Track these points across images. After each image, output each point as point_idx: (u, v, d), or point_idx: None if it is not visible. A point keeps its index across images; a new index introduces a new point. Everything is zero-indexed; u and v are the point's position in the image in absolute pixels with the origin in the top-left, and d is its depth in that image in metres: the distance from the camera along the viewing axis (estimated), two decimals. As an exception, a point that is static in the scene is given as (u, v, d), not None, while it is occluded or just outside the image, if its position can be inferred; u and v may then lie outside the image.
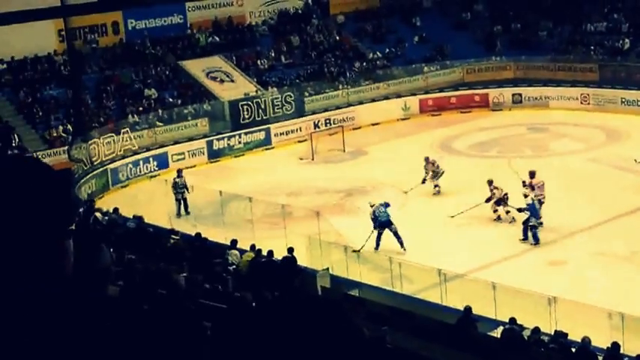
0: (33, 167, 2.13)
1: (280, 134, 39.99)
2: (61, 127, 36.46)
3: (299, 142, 39.36)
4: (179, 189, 30.56)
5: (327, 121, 40.99)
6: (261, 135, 39.53)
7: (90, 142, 34.76)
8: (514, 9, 48.81)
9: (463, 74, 45.41)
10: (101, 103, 38.57)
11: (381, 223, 25.03)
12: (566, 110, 40.55)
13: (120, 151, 35.70)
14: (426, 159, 30.51)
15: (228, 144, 38.86)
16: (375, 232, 24.85)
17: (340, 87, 43.08)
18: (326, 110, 41.66)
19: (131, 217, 25.76)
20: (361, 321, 17.29)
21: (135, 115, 38.00)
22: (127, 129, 36.45)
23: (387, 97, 43.35)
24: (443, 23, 48.41)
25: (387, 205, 25.56)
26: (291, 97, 41.11)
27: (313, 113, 41.25)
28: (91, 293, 2.19)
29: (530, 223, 25.42)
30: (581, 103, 41.28)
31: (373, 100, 43.03)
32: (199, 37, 44.05)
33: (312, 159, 36.86)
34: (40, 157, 34.31)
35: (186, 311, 4.14)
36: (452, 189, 29.93)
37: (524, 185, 26.74)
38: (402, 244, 24.80)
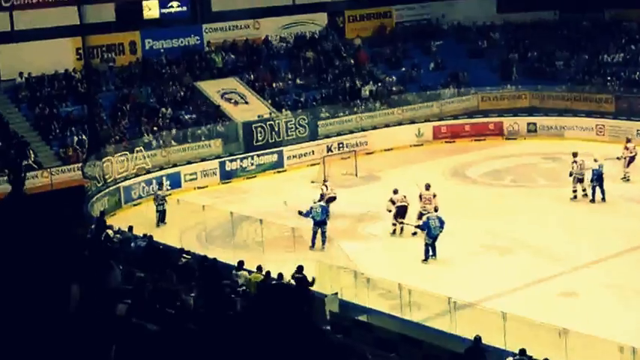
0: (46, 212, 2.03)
1: (293, 157, 39.97)
2: (76, 144, 36.55)
3: (311, 165, 39.31)
4: (159, 201, 32.11)
5: (340, 145, 40.97)
6: (274, 157, 39.54)
7: (104, 160, 34.84)
8: (531, 38, 48.82)
9: (478, 102, 45.40)
10: (116, 122, 38.64)
11: (316, 221, 27.70)
12: (581, 141, 40.38)
13: (133, 169, 35.77)
14: (324, 181, 32.75)
15: (241, 165, 38.87)
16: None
17: (355, 109, 43.11)
18: (339, 134, 41.65)
19: (141, 235, 25.76)
20: (369, 347, 17.20)
21: (149, 134, 38.07)
22: (141, 148, 36.51)
23: (400, 123, 43.35)
24: (459, 50, 48.44)
25: (324, 207, 28.17)
26: (304, 120, 41.12)
27: (326, 137, 41.25)
28: (100, 313, 2.11)
29: (425, 241, 26.26)
30: (597, 134, 41.14)
31: (387, 126, 43.04)
32: (215, 58, 44.17)
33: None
34: (54, 173, 34.56)
35: (193, 331, 4.11)
36: (466, 215, 29.82)
37: (421, 199, 28.40)
38: (324, 243, 27.69)
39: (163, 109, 39.87)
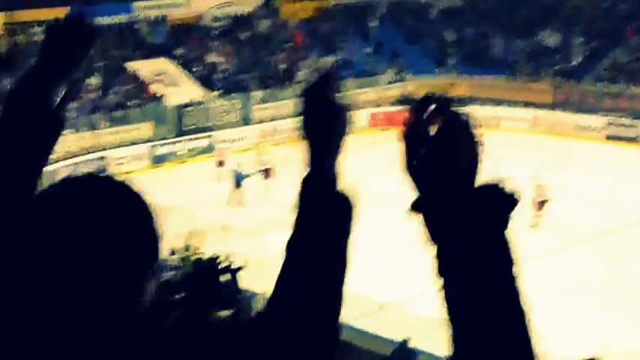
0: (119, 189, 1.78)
1: (225, 142, 38.94)
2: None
3: (244, 150, 38.37)
4: None
5: (275, 131, 40.13)
6: (206, 142, 38.54)
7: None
8: (469, 22, 48.33)
9: (415, 89, 44.82)
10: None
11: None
12: (517, 132, 40.09)
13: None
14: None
15: (172, 150, 37.84)
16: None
17: (290, 93, 42.19)
18: (273, 119, 40.75)
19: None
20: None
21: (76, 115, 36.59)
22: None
23: (336, 109, 42.49)
24: (397, 33, 47.86)
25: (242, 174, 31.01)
26: (237, 104, 40.18)
27: (260, 122, 40.32)
28: None
29: None
30: (533, 125, 40.88)
31: (323, 111, 42.12)
32: (146, 37, 42.86)
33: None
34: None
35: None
36: (397, 205, 29.19)
37: None
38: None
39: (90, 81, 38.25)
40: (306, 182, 1.94)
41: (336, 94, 1.97)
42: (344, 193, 1.95)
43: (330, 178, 1.96)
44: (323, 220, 1.90)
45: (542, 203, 28.60)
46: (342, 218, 1.92)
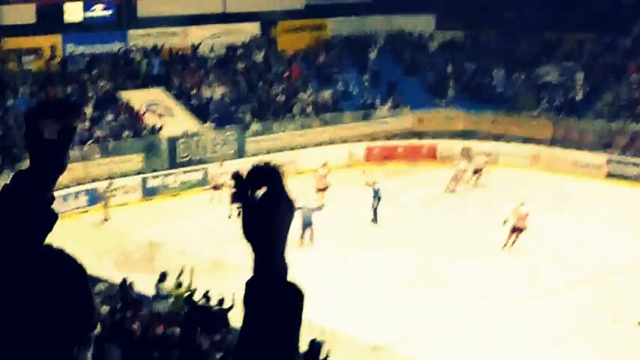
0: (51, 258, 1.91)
1: (219, 175, 38.21)
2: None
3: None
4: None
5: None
6: (199, 175, 37.86)
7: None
8: (468, 56, 47.80)
9: (413, 123, 44.30)
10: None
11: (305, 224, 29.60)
12: (515, 168, 39.51)
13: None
14: None
15: (164, 182, 37.13)
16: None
17: (286, 126, 41.61)
18: (268, 152, 40.10)
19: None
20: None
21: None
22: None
23: (332, 142, 41.94)
24: (395, 66, 47.37)
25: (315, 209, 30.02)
26: (232, 136, 39.55)
27: (255, 155, 39.66)
28: None
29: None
30: (532, 161, 40.30)
31: (318, 144, 41.54)
32: (141, 67, 42.13)
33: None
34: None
35: None
36: (394, 245, 28.62)
37: None
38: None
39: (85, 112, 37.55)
40: (250, 285, 1.93)
41: (278, 187, 1.95)
42: (289, 288, 1.93)
43: (275, 276, 1.93)
44: (269, 321, 1.90)
45: (518, 230, 28.79)
46: (288, 315, 1.92)
